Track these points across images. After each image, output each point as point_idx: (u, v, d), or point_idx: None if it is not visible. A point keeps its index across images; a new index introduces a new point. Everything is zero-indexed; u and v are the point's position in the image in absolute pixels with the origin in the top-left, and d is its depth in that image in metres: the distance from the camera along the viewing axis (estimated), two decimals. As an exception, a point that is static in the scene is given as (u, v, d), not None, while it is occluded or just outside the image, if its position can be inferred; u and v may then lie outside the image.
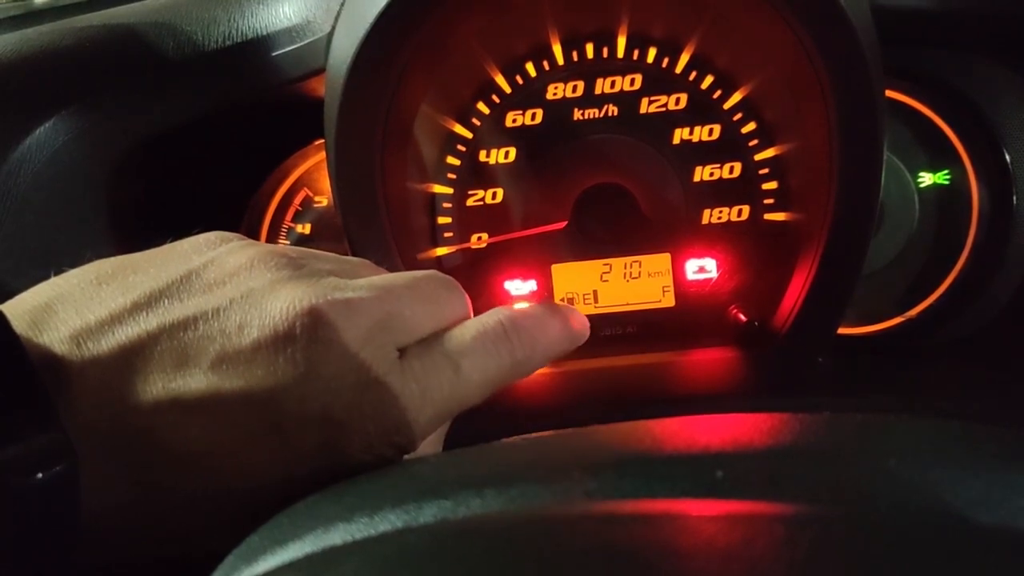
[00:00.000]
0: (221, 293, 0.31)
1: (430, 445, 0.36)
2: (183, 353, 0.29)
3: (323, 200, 0.69)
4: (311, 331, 0.30)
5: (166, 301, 0.30)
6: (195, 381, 0.29)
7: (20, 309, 0.30)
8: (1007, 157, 0.60)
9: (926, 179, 0.63)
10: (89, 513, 0.27)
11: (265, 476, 0.29)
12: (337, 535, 0.23)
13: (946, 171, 0.63)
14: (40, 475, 0.25)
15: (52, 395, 0.27)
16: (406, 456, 0.32)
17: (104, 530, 0.28)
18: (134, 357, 0.29)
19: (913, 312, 0.63)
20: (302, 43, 0.55)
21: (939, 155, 0.63)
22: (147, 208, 0.61)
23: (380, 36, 0.49)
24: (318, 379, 0.29)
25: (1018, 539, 0.20)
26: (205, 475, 0.29)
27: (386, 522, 0.23)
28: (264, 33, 0.56)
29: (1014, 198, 0.60)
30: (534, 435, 0.30)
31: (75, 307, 0.30)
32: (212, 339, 0.29)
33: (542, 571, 0.19)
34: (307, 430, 0.29)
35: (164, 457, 0.28)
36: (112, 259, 0.33)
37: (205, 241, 0.35)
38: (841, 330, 0.59)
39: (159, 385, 0.28)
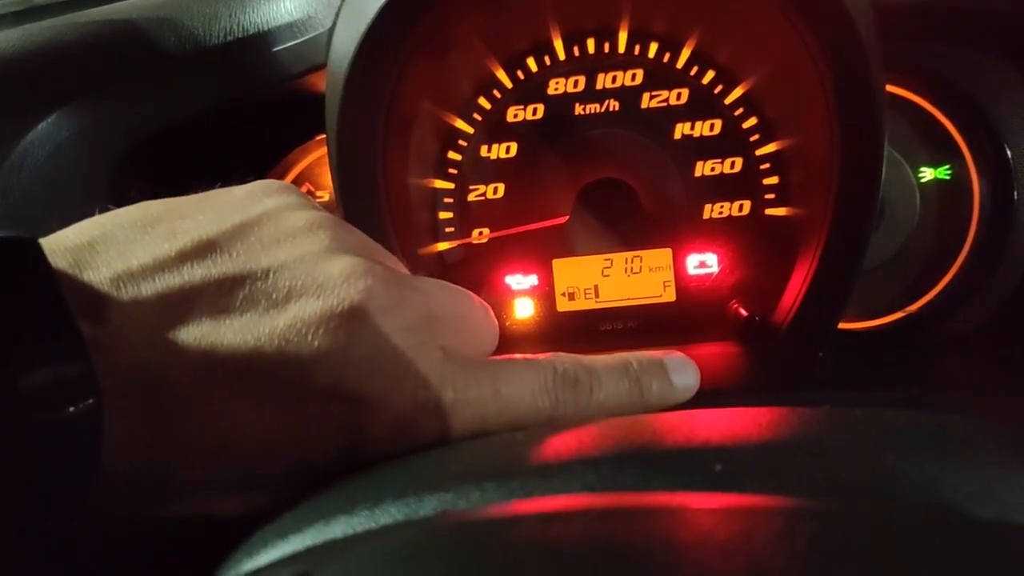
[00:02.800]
0: (274, 254, 0.30)
1: None
2: (225, 310, 0.28)
3: (325, 195, 0.69)
4: (360, 308, 0.29)
5: (214, 254, 0.29)
6: (231, 339, 0.28)
7: (62, 246, 0.28)
8: (1008, 152, 0.60)
9: (927, 174, 0.63)
10: (107, 458, 0.26)
11: (281, 449, 0.29)
12: (339, 528, 0.23)
13: (947, 166, 0.63)
14: (65, 409, 0.24)
15: (88, 335, 0.26)
16: None
17: (120, 478, 0.27)
18: (174, 306, 0.28)
19: (914, 307, 0.63)
20: (303, 38, 0.55)
21: (940, 150, 0.63)
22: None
23: (381, 31, 0.49)
24: (357, 357, 0.29)
25: (1015, 533, 0.20)
26: (223, 436, 0.28)
27: (387, 515, 0.23)
28: (265, 28, 0.56)
29: (1015, 193, 0.60)
30: (534, 428, 0.30)
31: (118, 249, 0.29)
32: (257, 301, 0.29)
33: (542, 564, 0.19)
34: (334, 408, 0.29)
35: (187, 410, 0.27)
36: (159, 201, 0.32)
37: (263, 189, 0.33)
38: (842, 325, 0.59)
39: (195, 338, 0.28)
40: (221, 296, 0.28)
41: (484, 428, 0.32)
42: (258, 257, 0.30)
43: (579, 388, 0.33)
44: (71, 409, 0.24)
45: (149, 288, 0.28)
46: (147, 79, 0.56)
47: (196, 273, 0.29)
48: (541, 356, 0.34)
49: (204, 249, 0.29)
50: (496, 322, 0.36)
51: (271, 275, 0.29)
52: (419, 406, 0.30)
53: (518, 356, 0.34)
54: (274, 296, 0.29)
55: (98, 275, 0.28)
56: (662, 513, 0.21)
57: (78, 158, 0.56)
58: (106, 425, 0.25)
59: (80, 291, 0.27)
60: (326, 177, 0.68)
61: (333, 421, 0.29)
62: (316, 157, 0.68)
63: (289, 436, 0.29)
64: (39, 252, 0.26)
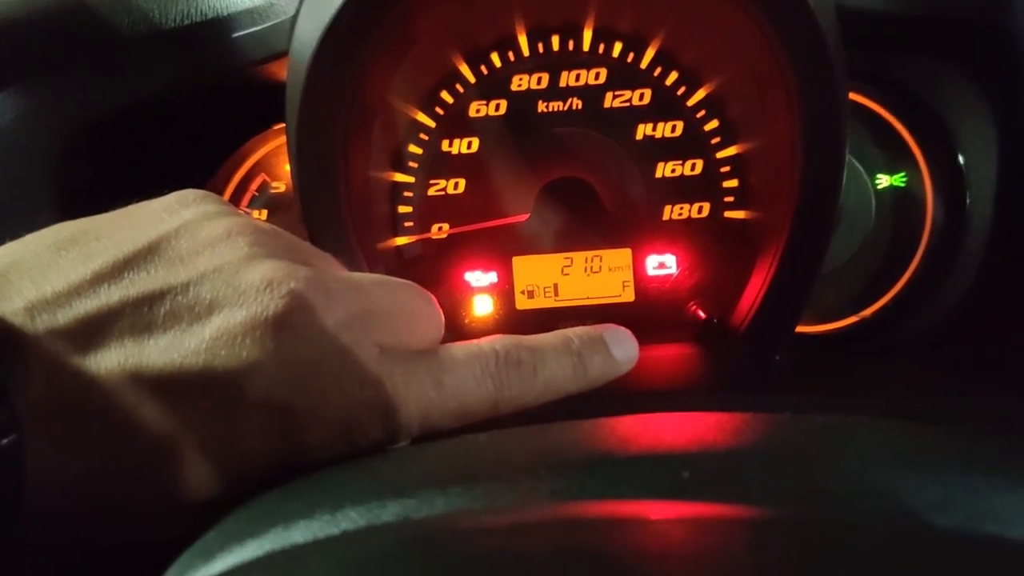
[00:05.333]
0: (193, 266, 0.29)
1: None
2: (147, 329, 0.28)
3: (281, 186, 0.67)
4: (285, 313, 0.28)
5: (131, 272, 0.29)
6: (155, 358, 0.27)
7: None
8: (961, 161, 0.61)
9: (883, 181, 0.64)
10: (37, 492, 0.25)
11: (219, 465, 0.28)
12: (298, 533, 0.22)
13: (902, 173, 0.64)
14: None
15: (4, 369, 0.25)
16: None
17: (53, 511, 0.26)
18: (92, 332, 0.27)
19: (868, 311, 0.64)
20: (264, 25, 0.54)
21: (896, 158, 0.64)
22: (98, 191, 0.59)
23: (345, 21, 0.49)
24: (287, 364, 0.28)
25: (976, 541, 0.21)
26: (158, 459, 0.27)
27: (348, 520, 0.22)
28: (225, 13, 0.55)
29: (967, 202, 0.61)
30: (497, 431, 0.30)
31: (31, 277, 0.28)
32: (179, 317, 0.28)
33: (507, 572, 0.19)
34: (269, 417, 0.28)
35: (118, 436, 0.27)
36: (73, 223, 0.31)
37: (179, 201, 0.32)
38: (798, 328, 0.59)
39: (117, 361, 0.27)
40: (142, 315, 0.28)
41: (430, 420, 0.31)
42: (177, 271, 0.29)
43: (523, 369, 0.33)
44: None
45: (65, 315, 0.27)
46: (98, 62, 0.54)
47: (114, 295, 0.28)
48: (482, 340, 0.34)
49: (120, 269, 0.29)
50: (440, 313, 0.35)
51: (191, 288, 0.28)
52: (359, 406, 0.29)
53: (458, 344, 0.33)
54: (196, 310, 0.28)
55: (11, 306, 0.27)
56: (628, 521, 0.21)
57: (23, 143, 0.54)
58: (30, 460, 0.25)
59: None
60: (282, 167, 0.67)
61: (271, 431, 0.28)
62: (273, 147, 0.66)
63: (227, 451, 0.28)
64: None
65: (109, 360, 0.27)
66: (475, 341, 0.34)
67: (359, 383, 0.29)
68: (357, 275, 0.33)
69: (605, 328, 0.37)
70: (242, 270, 0.29)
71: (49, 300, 0.27)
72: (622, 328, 0.38)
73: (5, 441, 0.24)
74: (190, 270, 0.29)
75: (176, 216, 0.31)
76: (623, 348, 0.37)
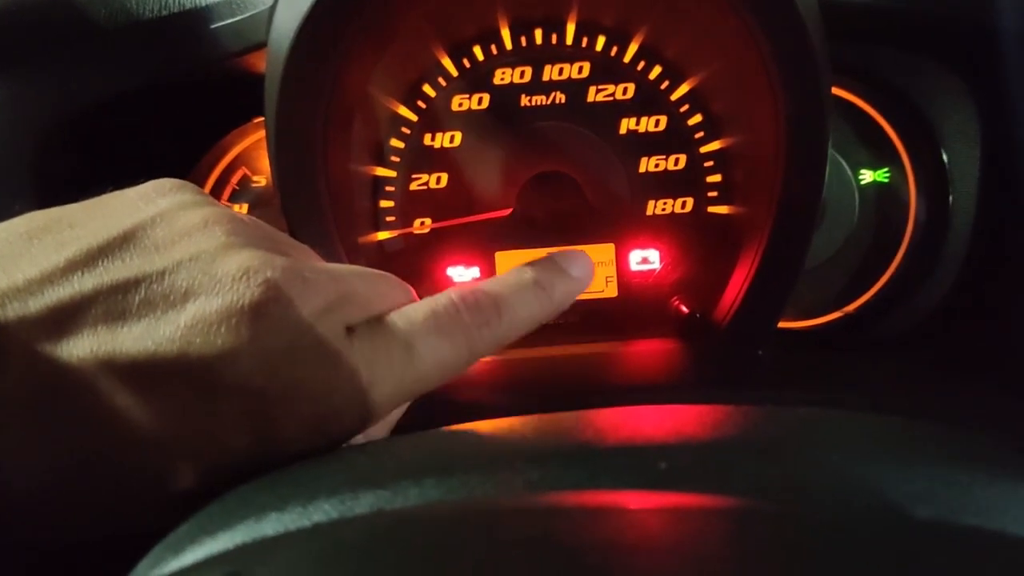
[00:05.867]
0: (169, 255, 0.29)
1: (379, 432, 0.35)
2: (120, 317, 0.27)
3: (261, 180, 0.67)
4: (261, 303, 0.28)
5: (106, 260, 0.28)
6: (130, 346, 0.27)
7: None
8: (945, 157, 0.61)
9: (866, 176, 0.64)
10: (8, 486, 0.25)
11: (195, 456, 0.28)
12: (269, 525, 0.22)
13: (886, 169, 0.64)
14: None
15: None
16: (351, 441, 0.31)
17: (26, 504, 0.26)
18: (65, 320, 0.27)
19: (851, 307, 0.64)
20: (242, 16, 0.53)
21: (880, 153, 0.64)
22: (75, 184, 0.59)
23: (324, 11, 0.48)
24: (262, 353, 0.28)
25: (956, 533, 0.20)
26: (134, 449, 0.27)
27: (321, 512, 0.22)
28: (203, 4, 0.54)
29: (950, 198, 0.61)
30: (474, 423, 0.29)
31: (2, 265, 0.27)
32: (154, 305, 0.27)
33: (481, 564, 0.19)
34: (244, 407, 0.28)
35: (93, 426, 0.26)
36: (45, 211, 0.30)
37: (155, 189, 0.32)
38: (780, 324, 0.59)
39: (90, 348, 0.26)
40: (115, 303, 0.27)
41: (406, 392, 0.31)
42: (152, 259, 0.28)
43: (486, 311, 0.33)
44: None
45: (37, 303, 0.27)
46: (74, 52, 0.54)
47: (87, 282, 0.27)
48: (439, 296, 0.33)
49: (94, 256, 0.28)
50: (410, 290, 0.35)
51: (167, 276, 0.28)
52: (334, 392, 0.29)
53: (412, 306, 0.33)
54: (171, 298, 0.28)
55: None
56: (606, 511, 0.21)
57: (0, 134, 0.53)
58: (3, 452, 0.24)
59: None
60: (263, 161, 0.66)
61: (245, 419, 0.28)
62: (253, 140, 0.66)
63: (200, 440, 0.27)
64: None
65: (82, 348, 0.26)
66: (431, 298, 0.33)
67: (333, 370, 0.29)
68: (335, 265, 0.33)
69: (554, 253, 0.38)
70: (219, 259, 0.29)
71: (20, 288, 0.27)
72: (570, 249, 0.40)
73: None
74: (166, 258, 0.29)
75: (152, 205, 0.31)
76: (578, 265, 0.38)
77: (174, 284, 0.28)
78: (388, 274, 0.35)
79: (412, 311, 0.32)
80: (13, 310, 0.26)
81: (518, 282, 0.35)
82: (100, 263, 0.28)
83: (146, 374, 0.27)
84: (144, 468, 0.27)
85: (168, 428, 0.27)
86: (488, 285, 0.35)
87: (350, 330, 0.30)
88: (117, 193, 0.32)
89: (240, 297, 0.28)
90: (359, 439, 0.31)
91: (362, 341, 0.30)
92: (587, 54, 0.59)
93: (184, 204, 0.31)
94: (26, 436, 0.25)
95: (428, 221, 0.61)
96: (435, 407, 0.36)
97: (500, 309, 0.34)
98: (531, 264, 0.37)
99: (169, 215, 0.30)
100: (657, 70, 0.59)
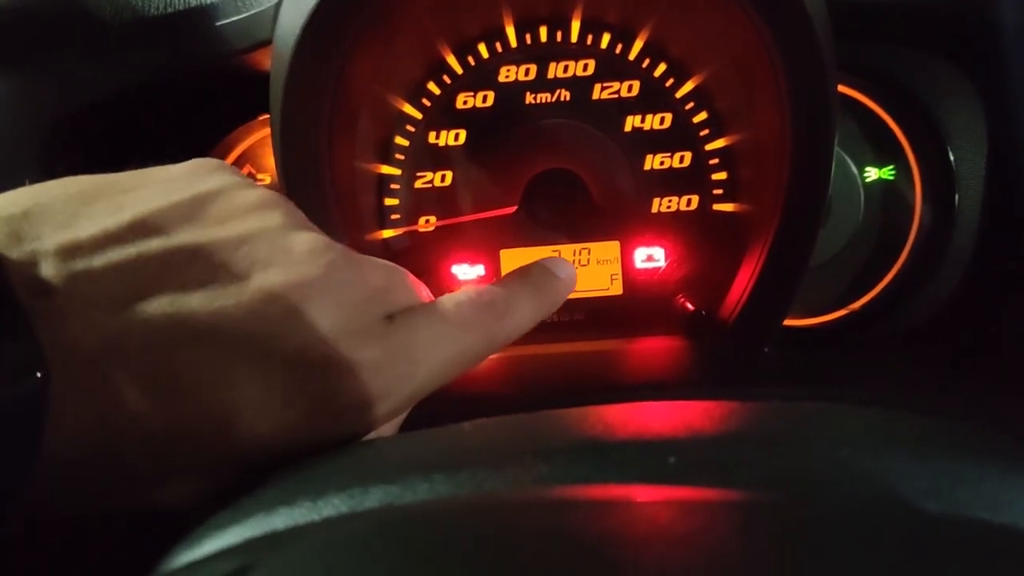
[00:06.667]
0: (231, 228, 0.30)
1: (388, 430, 0.35)
2: (185, 282, 0.27)
3: (267, 177, 0.67)
4: (324, 280, 0.29)
5: (171, 226, 0.28)
6: (197, 307, 0.27)
7: None
8: (951, 156, 0.61)
9: (872, 174, 0.64)
10: (47, 443, 0.24)
11: (240, 424, 0.27)
12: (279, 519, 0.22)
13: (891, 167, 0.64)
14: (6, 389, 0.22)
15: (33, 308, 0.24)
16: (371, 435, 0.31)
17: (58, 467, 0.25)
18: (130, 279, 0.27)
19: (856, 305, 0.64)
20: (247, 13, 0.53)
21: (885, 151, 0.64)
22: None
23: (329, 9, 0.48)
24: (321, 328, 0.29)
25: (965, 527, 0.20)
26: (178, 412, 0.26)
27: (330, 507, 0.22)
28: (208, 1, 0.54)
29: (956, 196, 0.61)
30: (482, 420, 0.29)
31: (59, 221, 0.27)
32: (218, 274, 0.28)
33: (491, 559, 0.19)
34: (303, 377, 0.28)
35: (140, 385, 0.26)
36: (91, 176, 0.30)
37: (203, 167, 0.33)
38: (785, 322, 0.59)
39: (155, 309, 0.26)
40: (180, 268, 0.28)
41: (442, 376, 0.33)
42: (215, 230, 0.29)
43: (500, 309, 0.36)
44: (13, 390, 0.23)
45: (101, 260, 0.27)
46: (80, 49, 0.54)
47: (152, 245, 0.28)
48: (458, 292, 0.36)
49: (157, 222, 0.28)
50: (423, 287, 0.37)
51: (231, 248, 0.29)
52: (386, 368, 0.30)
53: (442, 298, 0.35)
54: (234, 269, 0.28)
55: (41, 246, 0.26)
56: (615, 506, 0.21)
57: (5, 130, 0.53)
58: (51, 406, 0.24)
59: (20, 262, 0.25)
60: (268, 159, 0.66)
61: (302, 390, 0.28)
62: (259, 138, 0.66)
63: (251, 409, 0.27)
64: None
65: (147, 308, 0.26)
66: (452, 294, 0.35)
67: (383, 351, 0.30)
68: (362, 256, 0.34)
69: (541, 259, 0.42)
70: (282, 236, 0.30)
71: (84, 245, 0.27)
72: (550, 256, 0.45)
73: (30, 382, 0.23)
74: (229, 230, 0.29)
75: (204, 181, 0.32)
76: (561, 269, 0.41)
77: (238, 256, 0.29)
78: (405, 270, 0.36)
79: (440, 304, 0.34)
80: (78, 265, 0.26)
81: (519, 282, 0.39)
82: (165, 229, 0.28)
83: (212, 338, 0.27)
84: (187, 439, 0.27)
85: (223, 394, 0.27)
86: (495, 288, 0.37)
87: (393, 320, 0.32)
88: (159, 168, 0.33)
89: (305, 273, 0.29)
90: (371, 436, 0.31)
91: (401, 327, 0.32)
92: (592, 51, 0.59)
93: (236, 184, 0.32)
94: (76, 390, 0.25)
95: (433, 219, 0.61)
96: (444, 403, 0.37)
97: (509, 306, 0.36)
98: (520, 271, 0.40)
99: (227, 192, 0.31)
100: (662, 67, 0.59)
